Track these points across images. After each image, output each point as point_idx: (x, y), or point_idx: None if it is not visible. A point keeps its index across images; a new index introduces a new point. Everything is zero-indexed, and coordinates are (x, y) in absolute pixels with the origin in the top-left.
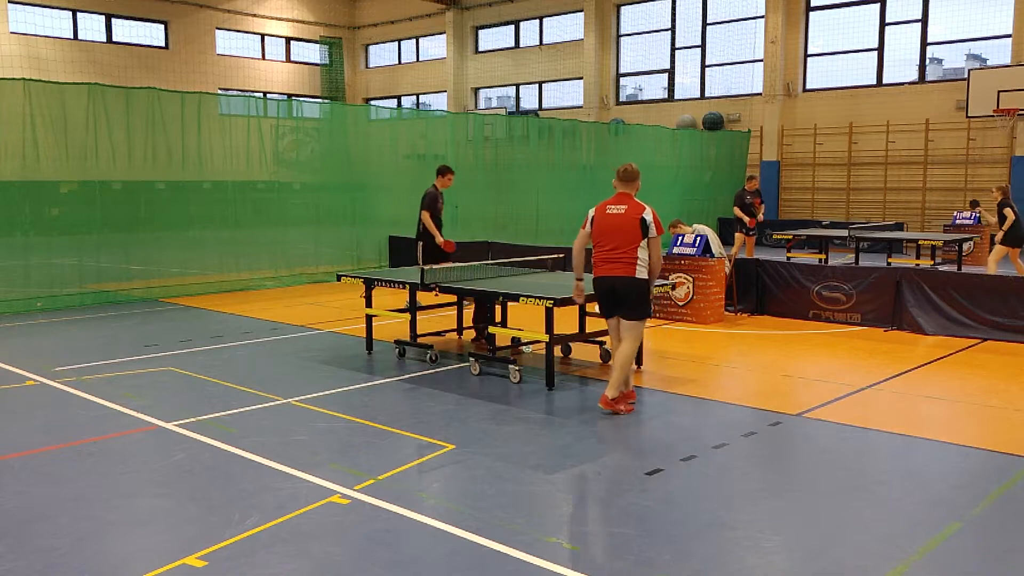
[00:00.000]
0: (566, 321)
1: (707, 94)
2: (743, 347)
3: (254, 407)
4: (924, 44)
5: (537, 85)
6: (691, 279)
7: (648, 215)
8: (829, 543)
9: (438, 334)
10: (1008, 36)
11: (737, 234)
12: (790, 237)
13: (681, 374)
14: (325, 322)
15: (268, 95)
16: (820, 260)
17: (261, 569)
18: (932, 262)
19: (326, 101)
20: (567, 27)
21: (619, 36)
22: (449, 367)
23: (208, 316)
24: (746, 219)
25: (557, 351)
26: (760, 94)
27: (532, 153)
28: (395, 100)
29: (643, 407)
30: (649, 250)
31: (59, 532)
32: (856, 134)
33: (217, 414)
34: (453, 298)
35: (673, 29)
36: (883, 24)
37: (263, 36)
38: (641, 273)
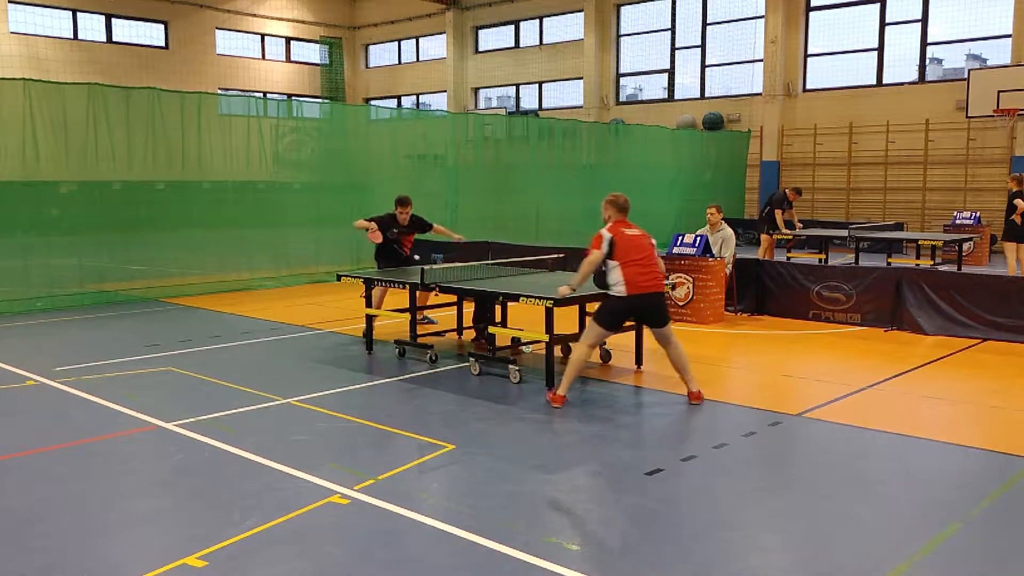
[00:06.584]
0: (566, 321)
1: (707, 94)
2: (743, 347)
3: (254, 407)
4: (924, 44)
5: (537, 85)
6: (691, 279)
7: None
8: (829, 543)
9: (438, 334)
10: (1008, 36)
11: (763, 235)
12: (790, 237)
13: None
14: (325, 322)
15: (268, 95)
16: (820, 260)
17: (261, 569)
18: (932, 262)
19: (326, 101)
20: (567, 27)
21: (619, 36)
22: (449, 367)
23: (208, 316)
24: (783, 228)
25: (557, 351)
26: (760, 94)
27: (532, 153)
28: (395, 100)
29: (643, 407)
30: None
31: (59, 532)
32: (856, 134)
33: (217, 414)
34: (452, 298)
35: (673, 29)
36: (883, 24)
37: (263, 36)
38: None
